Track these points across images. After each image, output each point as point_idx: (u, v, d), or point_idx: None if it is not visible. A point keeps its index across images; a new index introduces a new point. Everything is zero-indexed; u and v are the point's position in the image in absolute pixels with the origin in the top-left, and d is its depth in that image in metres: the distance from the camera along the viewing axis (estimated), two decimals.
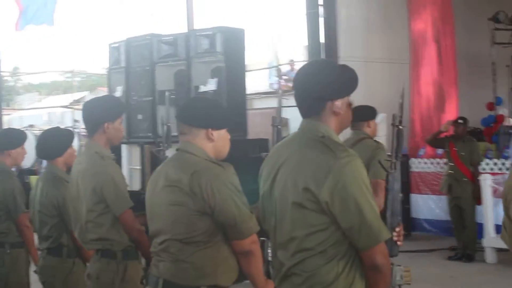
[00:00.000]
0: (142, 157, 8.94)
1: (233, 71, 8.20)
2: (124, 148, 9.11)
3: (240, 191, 3.24)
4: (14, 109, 37.53)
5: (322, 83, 2.76)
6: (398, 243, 3.02)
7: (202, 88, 8.26)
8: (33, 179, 13.22)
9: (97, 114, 4.18)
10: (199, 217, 3.16)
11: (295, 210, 2.69)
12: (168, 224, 3.24)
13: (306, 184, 2.65)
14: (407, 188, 11.69)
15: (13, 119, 32.24)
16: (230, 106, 8.12)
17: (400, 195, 3.10)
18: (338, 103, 2.80)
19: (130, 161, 9.07)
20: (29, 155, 11.66)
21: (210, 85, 8.22)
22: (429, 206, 11.76)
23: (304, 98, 2.82)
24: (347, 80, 2.83)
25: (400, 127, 3.24)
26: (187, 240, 3.19)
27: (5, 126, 14.83)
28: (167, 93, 6.78)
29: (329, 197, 2.60)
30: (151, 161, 8.82)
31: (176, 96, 8.28)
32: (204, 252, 3.20)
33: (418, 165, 12.11)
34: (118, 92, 9.10)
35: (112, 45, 9.21)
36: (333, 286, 2.66)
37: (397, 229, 3.03)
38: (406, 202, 11.64)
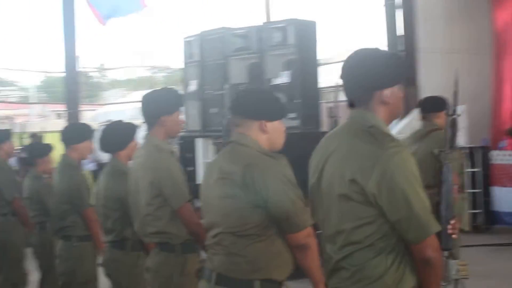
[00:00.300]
0: (216, 152, 9.02)
1: (305, 63, 8.16)
2: (198, 142, 9.21)
3: (293, 183, 3.17)
4: (100, 105, 38.35)
5: (370, 72, 2.69)
6: (453, 236, 2.94)
7: (275, 81, 8.28)
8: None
9: (153, 107, 4.19)
10: (252, 210, 3.13)
11: (342, 202, 2.65)
12: (221, 217, 3.22)
13: (353, 175, 2.59)
14: (487, 180, 11.44)
15: (98, 115, 32.93)
16: (303, 99, 8.12)
17: (455, 186, 3.02)
18: (387, 92, 2.71)
19: (205, 154, 9.15)
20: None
21: (283, 78, 8.22)
22: (510, 199, 11.45)
23: (351, 88, 2.75)
24: (395, 68, 2.74)
25: (454, 116, 3.15)
26: (240, 233, 3.16)
27: (89, 121, 15.16)
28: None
29: (376, 188, 2.54)
30: None
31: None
32: (258, 246, 3.16)
33: (499, 157, 11.80)
34: (193, 86, 9.21)
35: (187, 39, 9.32)
36: (382, 280, 2.59)
37: (452, 222, 2.95)
38: (486, 195, 11.40)
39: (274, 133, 3.34)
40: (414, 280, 2.63)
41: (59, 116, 24.03)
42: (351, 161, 2.62)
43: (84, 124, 6.11)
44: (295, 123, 8.03)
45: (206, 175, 3.39)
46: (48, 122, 25.13)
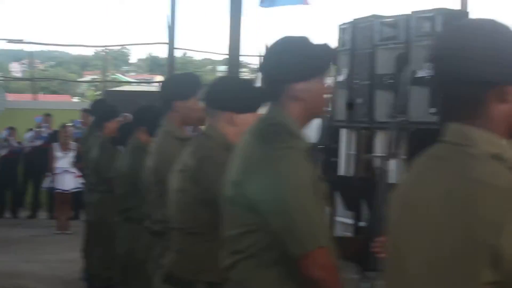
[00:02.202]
0: (358, 143, 8.71)
1: None
2: (343, 133, 8.96)
3: None
4: None
5: (280, 63, 2.38)
6: (380, 255, 2.53)
7: (419, 73, 7.81)
8: None
9: (167, 91, 4.09)
10: (202, 206, 2.95)
11: (229, 206, 2.41)
12: (175, 211, 3.08)
13: (237, 177, 2.35)
14: None
15: None
16: None
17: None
18: (300, 86, 2.39)
19: (348, 146, 8.89)
20: None
21: (427, 70, 7.74)
22: None
23: (263, 80, 2.48)
24: (313, 60, 2.39)
25: None
26: (189, 230, 3.01)
27: None
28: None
29: (257, 194, 2.27)
30: (366, 147, 8.57)
31: (394, 81, 7.98)
32: (205, 245, 2.98)
33: None
34: (343, 75, 8.96)
35: (341, 26, 9.09)
36: None
37: (380, 239, 2.55)
38: None
39: (244, 126, 3.10)
40: None
41: None
42: (239, 162, 2.39)
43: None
44: (436, 118, 7.52)
45: (174, 167, 3.25)
46: None
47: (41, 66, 54.70)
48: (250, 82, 3.49)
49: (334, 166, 9.01)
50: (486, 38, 1.69)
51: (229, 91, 3.13)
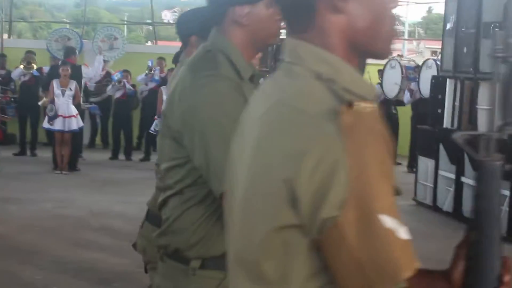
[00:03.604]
0: (462, 94, 8.39)
1: None
2: (448, 83, 8.65)
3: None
4: None
5: None
6: None
7: None
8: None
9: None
10: None
11: (160, 139, 2.27)
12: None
13: (166, 108, 2.20)
14: None
15: None
16: None
17: None
18: (243, 10, 2.15)
19: (451, 96, 8.58)
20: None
21: None
22: None
23: (208, 1, 2.27)
24: None
25: None
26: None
27: None
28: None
29: (180, 124, 2.11)
30: (470, 98, 8.25)
31: (501, 30, 7.58)
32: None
33: None
34: (450, 23, 8.61)
35: None
36: (184, 236, 2.16)
37: None
38: None
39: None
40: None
41: (434, 53, 23.79)
42: (172, 93, 2.21)
43: None
44: None
45: None
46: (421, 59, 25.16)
47: None
48: None
49: (440, 117, 8.75)
50: None
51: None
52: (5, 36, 17.42)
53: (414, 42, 35.44)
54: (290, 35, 1.40)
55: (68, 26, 21.29)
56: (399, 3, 1.48)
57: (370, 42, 1.38)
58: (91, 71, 13.24)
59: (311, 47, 1.35)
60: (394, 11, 1.41)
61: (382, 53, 1.41)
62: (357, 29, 1.35)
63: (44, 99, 12.27)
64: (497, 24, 7.64)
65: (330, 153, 1.20)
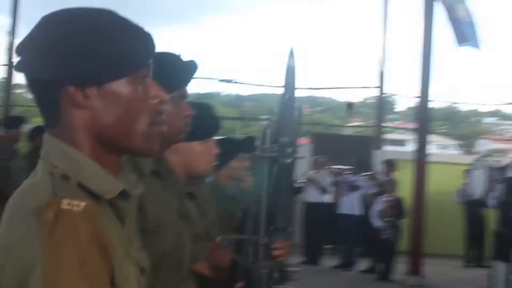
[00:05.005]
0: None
1: None
2: None
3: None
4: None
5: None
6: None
7: None
8: None
9: None
10: None
11: None
12: None
13: None
14: None
15: None
16: None
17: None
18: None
19: None
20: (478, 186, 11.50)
21: None
22: None
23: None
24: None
25: None
26: None
27: None
28: None
29: None
30: None
31: None
32: None
33: None
34: None
35: None
36: None
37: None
38: None
39: (189, 155, 2.69)
40: None
41: None
42: None
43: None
44: None
45: None
46: None
47: (309, 111, 57.19)
48: (201, 107, 2.79)
49: None
50: (48, 29, 1.36)
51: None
52: None
53: None
54: (46, 129, 1.41)
55: None
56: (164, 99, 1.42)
57: (121, 138, 1.37)
58: None
59: (56, 142, 1.36)
60: (160, 106, 1.40)
61: (141, 149, 1.40)
62: (103, 124, 1.35)
63: None
64: None
65: (29, 250, 1.20)
